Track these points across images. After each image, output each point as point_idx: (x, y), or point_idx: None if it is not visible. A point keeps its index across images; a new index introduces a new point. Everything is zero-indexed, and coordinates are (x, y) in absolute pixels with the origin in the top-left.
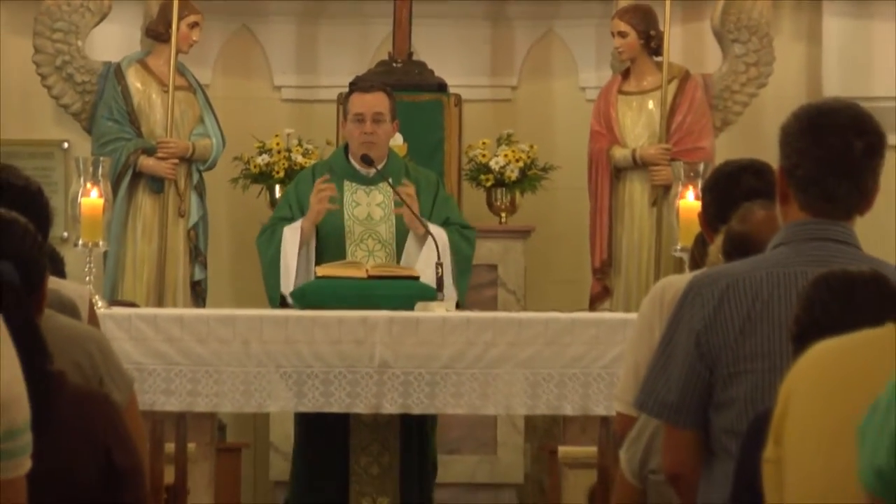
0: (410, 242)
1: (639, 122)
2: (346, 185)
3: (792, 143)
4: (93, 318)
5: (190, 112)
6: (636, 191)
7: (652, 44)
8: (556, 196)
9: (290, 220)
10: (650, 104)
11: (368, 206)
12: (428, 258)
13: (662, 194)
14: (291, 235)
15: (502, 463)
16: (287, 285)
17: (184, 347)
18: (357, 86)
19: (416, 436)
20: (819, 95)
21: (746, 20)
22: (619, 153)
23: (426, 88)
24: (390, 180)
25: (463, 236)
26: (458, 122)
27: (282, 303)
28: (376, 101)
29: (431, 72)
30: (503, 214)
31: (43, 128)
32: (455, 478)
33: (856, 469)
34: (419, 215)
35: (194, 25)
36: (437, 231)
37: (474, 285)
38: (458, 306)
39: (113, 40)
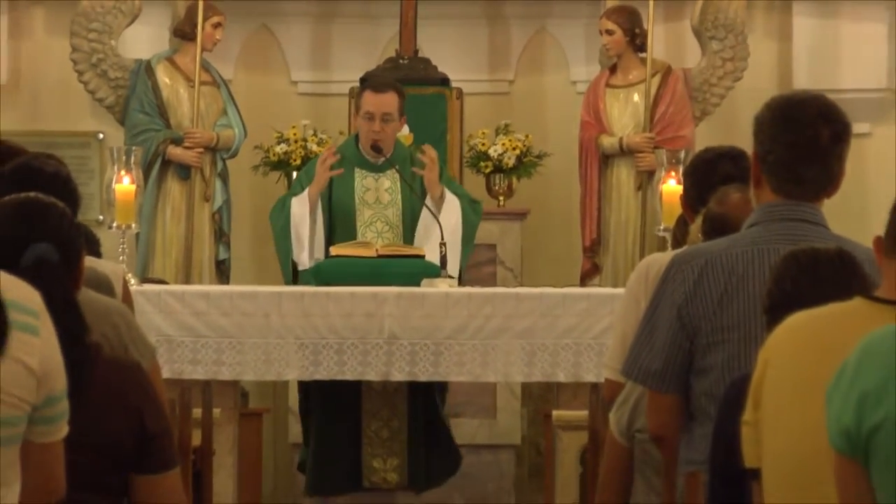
0: (425, 215)
1: (625, 113)
2: (357, 171)
3: (765, 132)
4: (126, 295)
5: (214, 105)
6: (623, 176)
7: (637, 41)
8: (549, 181)
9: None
10: (635, 96)
11: (377, 192)
12: (447, 222)
13: (647, 179)
14: (300, 205)
15: (501, 426)
16: (299, 252)
17: (209, 321)
18: (371, 84)
19: (422, 402)
20: (789, 88)
21: (723, 19)
22: (607, 141)
23: (430, 83)
24: (397, 167)
25: (472, 207)
26: (460, 113)
27: (293, 271)
28: (387, 102)
29: (435, 67)
30: (501, 198)
31: (80, 120)
32: (458, 440)
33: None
34: (437, 177)
35: (217, 25)
36: (451, 197)
37: (475, 263)
38: (460, 273)
39: (143, 39)
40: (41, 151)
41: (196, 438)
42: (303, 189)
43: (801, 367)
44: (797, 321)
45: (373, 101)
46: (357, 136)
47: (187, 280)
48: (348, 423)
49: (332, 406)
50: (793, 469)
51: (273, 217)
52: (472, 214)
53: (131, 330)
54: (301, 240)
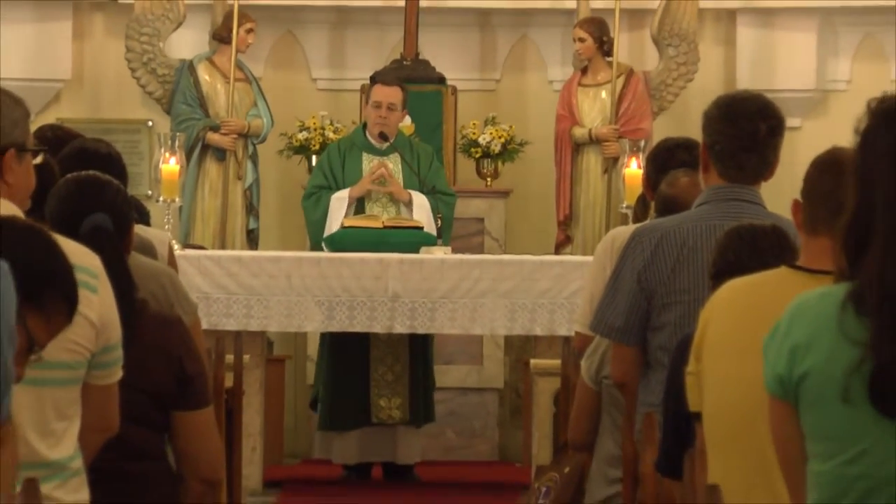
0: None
1: (594, 108)
2: (364, 155)
3: (712, 125)
4: (171, 259)
5: (246, 98)
6: (592, 161)
7: (604, 47)
8: (529, 165)
9: (327, 187)
10: (603, 94)
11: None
12: (421, 214)
13: (612, 164)
14: (339, 204)
15: (486, 372)
16: (328, 233)
17: (240, 281)
18: (380, 79)
19: (420, 351)
20: (733, 87)
21: (677, 29)
22: (579, 132)
23: (429, 81)
24: (407, 151)
25: (443, 201)
26: (454, 107)
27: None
28: (393, 94)
29: (433, 68)
30: (488, 179)
31: (132, 110)
32: (450, 384)
33: (760, 378)
34: (402, 188)
35: (250, 31)
36: (420, 201)
37: (466, 234)
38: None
39: (187, 42)
40: (94, 137)
41: (228, 381)
42: (325, 178)
43: (735, 326)
44: (733, 286)
45: (381, 92)
46: (365, 125)
47: (222, 246)
48: (358, 369)
49: (345, 354)
50: (728, 412)
51: (308, 206)
52: (444, 207)
53: (176, 290)
54: (332, 228)
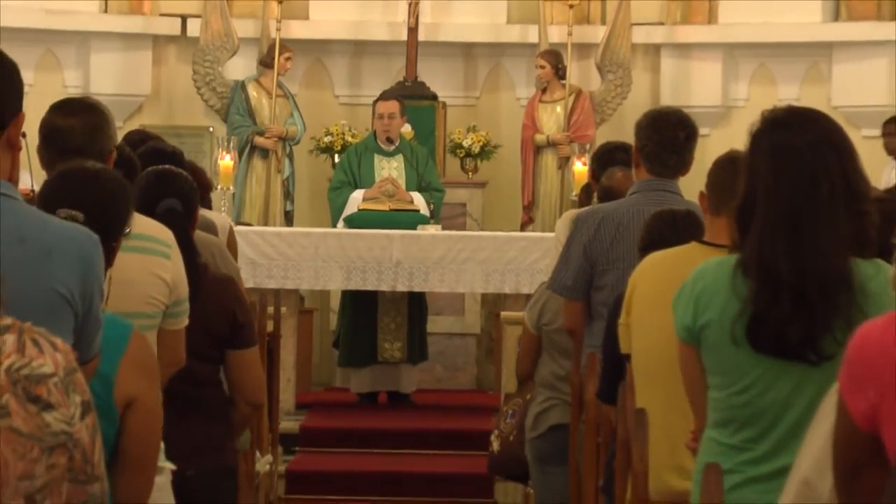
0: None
1: (551, 120)
2: (375, 156)
3: (642, 132)
4: (232, 238)
5: (285, 110)
6: (549, 160)
7: (560, 73)
8: (501, 163)
9: (348, 183)
10: (558, 109)
11: (388, 169)
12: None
13: (564, 162)
14: (355, 199)
15: (467, 321)
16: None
17: (279, 250)
18: (381, 96)
19: (417, 305)
20: (658, 104)
21: (616, 59)
22: (539, 138)
23: (425, 98)
24: (408, 153)
25: (435, 196)
26: (444, 118)
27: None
28: (391, 106)
29: (428, 88)
30: (470, 173)
31: (197, 118)
32: (438, 330)
33: (674, 327)
34: (406, 192)
35: (288, 59)
36: (418, 199)
37: (452, 215)
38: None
39: (239, 67)
40: (165, 139)
41: (269, 327)
42: (345, 174)
43: (657, 287)
44: (656, 257)
45: (383, 106)
46: (374, 133)
47: (265, 223)
48: (369, 319)
49: (359, 307)
50: (651, 354)
51: (333, 197)
52: (435, 198)
53: (223, 257)
54: (350, 211)
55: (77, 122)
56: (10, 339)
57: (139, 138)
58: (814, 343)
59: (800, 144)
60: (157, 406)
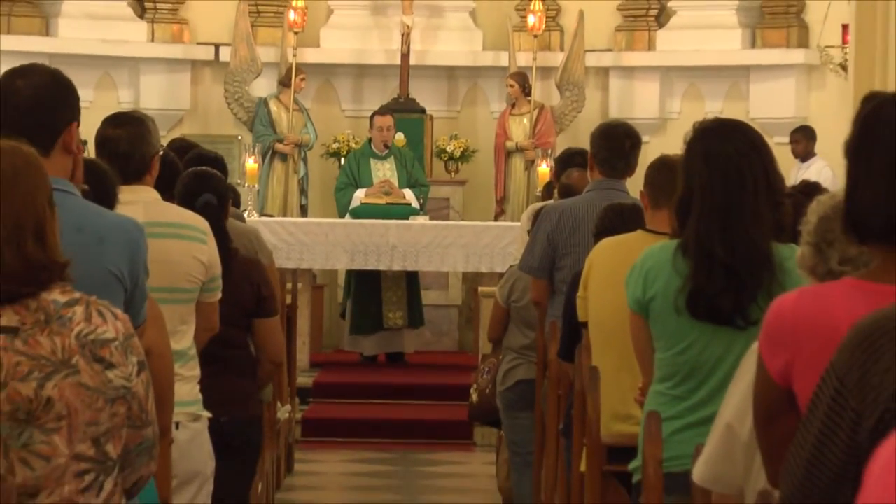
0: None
1: (519, 129)
2: (372, 161)
3: (595, 141)
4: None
5: (300, 122)
6: (517, 163)
7: (526, 91)
8: (478, 165)
9: (350, 183)
10: (525, 120)
11: (383, 171)
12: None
13: (530, 165)
14: (357, 197)
15: (451, 294)
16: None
17: (296, 237)
18: (379, 111)
19: (412, 281)
20: (607, 117)
21: (573, 80)
22: (509, 144)
23: (416, 112)
24: (398, 155)
25: (421, 191)
26: (431, 128)
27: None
28: (388, 120)
29: (418, 104)
30: (452, 173)
31: (228, 129)
32: (428, 302)
33: (624, 300)
34: (400, 191)
35: (303, 79)
36: (410, 195)
37: (438, 208)
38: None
39: (262, 86)
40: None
41: (288, 300)
42: (348, 176)
43: (609, 267)
44: (607, 242)
45: (381, 120)
46: (370, 141)
47: (284, 215)
48: (374, 294)
49: (365, 283)
50: (604, 322)
51: (339, 196)
52: (423, 193)
53: (259, 243)
54: (353, 205)
55: (123, 132)
56: (79, 310)
57: (180, 145)
58: (742, 311)
59: (729, 149)
60: (168, 351)
